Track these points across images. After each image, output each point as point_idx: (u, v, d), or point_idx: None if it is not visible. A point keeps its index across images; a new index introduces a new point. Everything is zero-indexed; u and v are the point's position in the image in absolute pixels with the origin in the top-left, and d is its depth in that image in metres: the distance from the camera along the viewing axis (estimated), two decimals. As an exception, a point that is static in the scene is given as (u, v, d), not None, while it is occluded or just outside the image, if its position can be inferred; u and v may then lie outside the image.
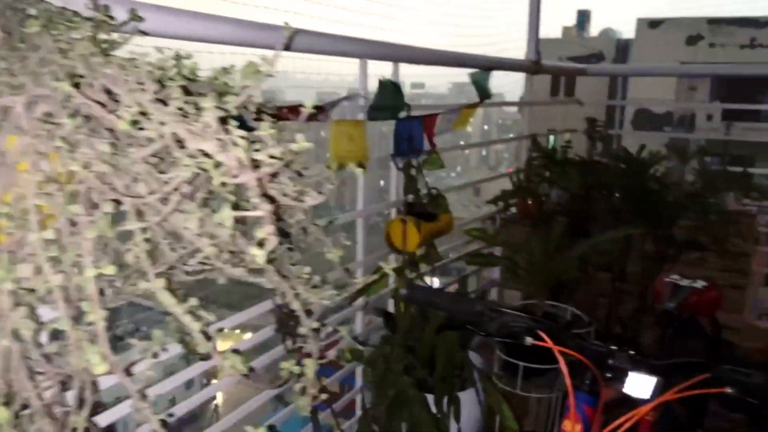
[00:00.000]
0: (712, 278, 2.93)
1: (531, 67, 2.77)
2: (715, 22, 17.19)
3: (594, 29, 24.12)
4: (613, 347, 1.18)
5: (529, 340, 1.13)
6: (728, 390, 1.12)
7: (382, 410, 1.55)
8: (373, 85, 1.78)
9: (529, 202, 2.73)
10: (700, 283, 1.88)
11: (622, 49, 20.72)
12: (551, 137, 3.28)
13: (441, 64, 2.16)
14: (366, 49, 1.73)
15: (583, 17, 24.56)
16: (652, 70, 3.74)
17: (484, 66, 2.57)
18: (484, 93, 2.42)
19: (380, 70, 2.06)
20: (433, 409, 1.68)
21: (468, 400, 1.84)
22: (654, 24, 18.07)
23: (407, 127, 1.92)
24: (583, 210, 2.86)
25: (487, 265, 2.31)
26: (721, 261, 2.79)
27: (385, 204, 1.98)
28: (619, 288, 2.98)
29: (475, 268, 2.53)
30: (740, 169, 2.95)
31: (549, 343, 1.14)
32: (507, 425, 1.59)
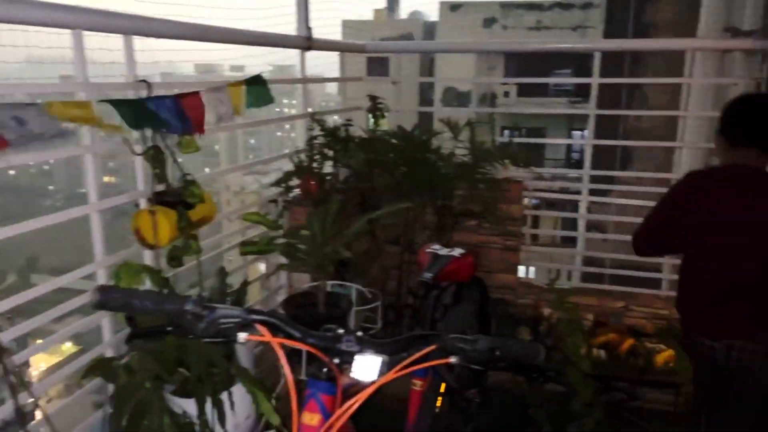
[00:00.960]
0: (475, 245, 3.11)
1: (302, 43, 2.67)
2: (506, 6, 18.60)
3: (403, 12, 24.90)
4: (341, 331, 1.11)
5: (242, 337, 1.02)
6: (452, 360, 1.11)
7: (122, 423, 1.37)
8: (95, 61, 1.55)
9: (312, 182, 2.65)
10: (458, 251, 1.93)
11: (430, 30, 21.69)
12: (370, 117, 3.24)
13: (190, 38, 1.97)
14: (78, 19, 1.49)
15: (393, 0, 25.30)
16: (429, 47, 3.80)
17: (246, 42, 2.42)
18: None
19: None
20: (194, 414, 1.53)
21: (240, 397, 1.72)
22: (454, 7, 19.11)
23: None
24: (367, 187, 2.86)
25: (261, 253, 2.19)
26: (495, 226, 2.95)
27: (128, 194, 1.76)
28: (408, 259, 3.04)
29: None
30: (508, 140, 3.14)
31: (267, 337, 1.05)
32: (269, 420, 1.49)
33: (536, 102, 18.49)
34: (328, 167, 2.82)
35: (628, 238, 2.07)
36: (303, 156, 2.76)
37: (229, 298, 1.83)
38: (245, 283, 1.95)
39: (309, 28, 2.68)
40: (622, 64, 4.09)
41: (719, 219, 1.79)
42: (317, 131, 2.81)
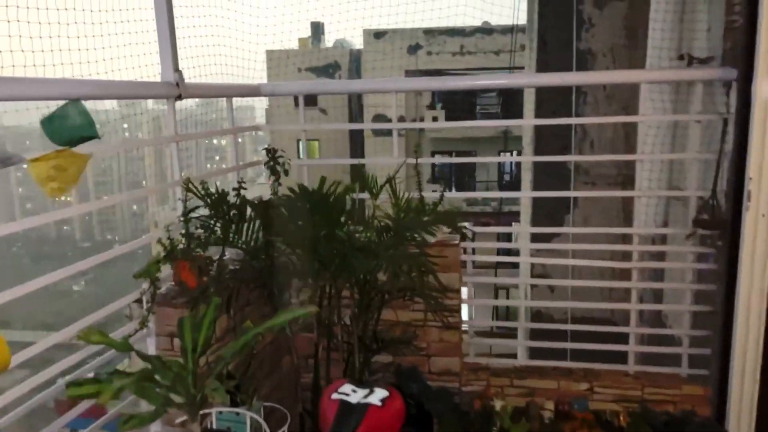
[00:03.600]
0: (409, 323, 2.50)
1: (169, 91, 2.03)
2: (429, 32, 18.51)
3: (329, 40, 24.49)
4: None
5: None
6: None
7: None
8: None
9: (188, 270, 2.00)
10: (378, 395, 1.32)
11: (356, 58, 21.37)
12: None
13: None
14: None
15: (317, 29, 24.87)
16: (340, 87, 3.20)
17: (82, 95, 1.76)
18: (82, 132, 1.62)
19: None
20: None
21: None
22: (378, 35, 18.88)
23: None
24: (265, 267, 2.22)
25: (104, 399, 1.51)
26: (429, 304, 2.36)
27: None
28: (325, 345, 2.41)
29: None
30: (439, 194, 2.58)
31: None
32: None
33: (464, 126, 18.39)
34: (216, 246, 2.17)
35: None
36: (179, 235, 2.10)
37: None
38: None
39: (178, 72, 2.04)
40: (557, 93, 3.65)
41: None
42: (198, 199, 2.16)
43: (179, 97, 2.07)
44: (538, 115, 3.77)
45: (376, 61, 18.53)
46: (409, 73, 18.79)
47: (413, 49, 18.55)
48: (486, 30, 17.58)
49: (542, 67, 3.52)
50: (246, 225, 2.18)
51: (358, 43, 21.32)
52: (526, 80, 2.82)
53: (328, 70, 21.68)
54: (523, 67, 4.68)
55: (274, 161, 2.50)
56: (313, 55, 21.92)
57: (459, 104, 19.26)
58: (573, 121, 3.22)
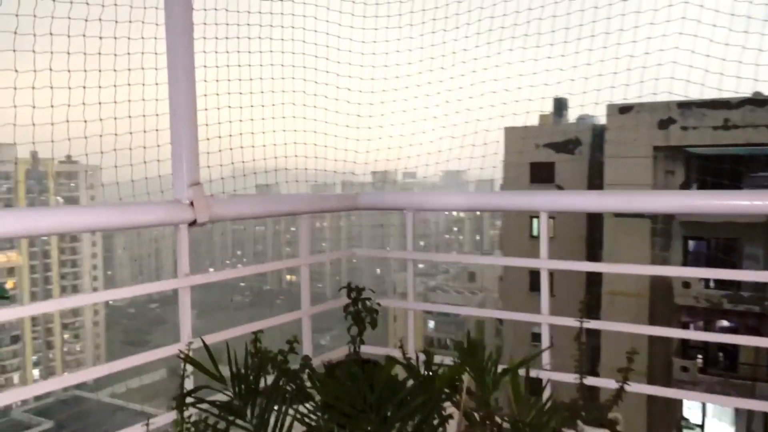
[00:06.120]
0: None
1: (180, 215, 1.36)
2: (685, 105, 16.13)
3: (571, 116, 23.16)
4: None
5: None
6: None
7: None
8: None
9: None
10: None
11: (599, 134, 19.77)
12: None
13: None
14: None
15: (561, 105, 23.76)
16: (457, 202, 2.23)
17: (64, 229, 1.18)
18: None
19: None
20: None
21: None
22: (624, 110, 17.08)
23: None
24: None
25: None
26: None
27: None
28: None
29: None
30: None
31: None
32: None
33: (727, 209, 15.31)
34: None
35: None
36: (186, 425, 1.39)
37: None
38: None
39: (196, 185, 1.37)
40: None
41: None
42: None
43: (194, 223, 1.39)
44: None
45: (621, 137, 16.72)
46: (658, 150, 16.51)
47: (664, 123, 16.31)
48: (758, 101, 14.63)
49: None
50: (277, 416, 1.38)
51: (601, 118, 19.68)
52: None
53: (568, 145, 20.38)
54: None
55: (358, 305, 1.68)
56: (554, 130, 20.87)
57: (719, 173, 15.68)
58: None
